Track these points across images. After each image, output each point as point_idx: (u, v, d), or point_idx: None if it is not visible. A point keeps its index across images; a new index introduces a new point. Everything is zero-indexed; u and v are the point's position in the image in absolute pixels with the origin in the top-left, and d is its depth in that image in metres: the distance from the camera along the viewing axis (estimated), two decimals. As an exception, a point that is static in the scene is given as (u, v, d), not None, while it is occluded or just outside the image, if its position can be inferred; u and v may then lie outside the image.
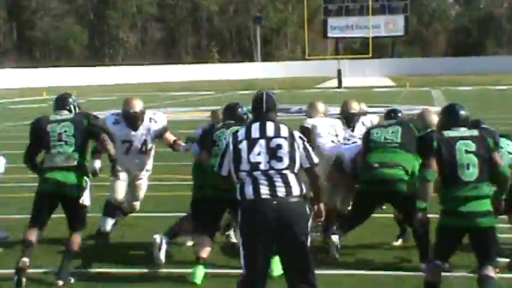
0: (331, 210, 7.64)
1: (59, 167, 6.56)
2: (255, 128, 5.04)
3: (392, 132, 7.22)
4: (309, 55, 56.18)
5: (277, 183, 4.88)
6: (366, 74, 61.32)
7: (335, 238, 7.11)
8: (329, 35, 65.68)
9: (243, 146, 4.98)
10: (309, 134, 7.63)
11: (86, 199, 6.61)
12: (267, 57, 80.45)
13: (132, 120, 7.63)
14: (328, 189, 7.73)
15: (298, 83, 49.61)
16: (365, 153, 7.28)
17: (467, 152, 5.39)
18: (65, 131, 6.66)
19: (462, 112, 5.65)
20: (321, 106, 8.29)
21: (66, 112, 6.88)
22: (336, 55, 62.96)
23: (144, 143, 7.74)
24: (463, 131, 5.53)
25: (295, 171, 4.94)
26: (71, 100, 7.03)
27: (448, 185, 5.45)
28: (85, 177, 6.65)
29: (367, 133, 7.43)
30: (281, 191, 4.86)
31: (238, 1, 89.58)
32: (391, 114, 7.78)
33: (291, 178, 4.89)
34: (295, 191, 4.88)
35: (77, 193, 6.54)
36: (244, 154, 4.96)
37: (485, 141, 5.47)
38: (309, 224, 5.02)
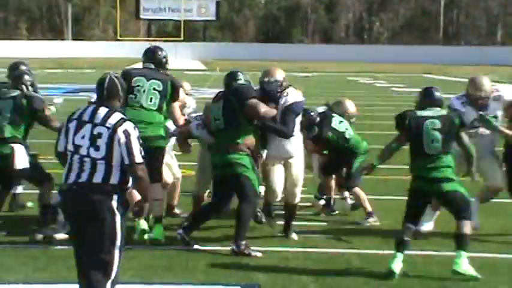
0: (198, 197, 7.96)
1: None
2: (89, 111, 4.93)
3: (218, 109, 7.14)
4: (121, 36, 55.78)
5: (85, 170, 4.83)
6: (177, 57, 61.66)
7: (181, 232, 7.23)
8: (142, 16, 65.44)
9: (72, 126, 4.92)
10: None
11: (17, 164, 7.37)
12: (78, 36, 78.64)
13: None
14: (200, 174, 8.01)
15: (110, 63, 49.12)
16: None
17: (433, 129, 6.35)
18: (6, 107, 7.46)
19: (437, 94, 6.62)
20: (185, 85, 8.66)
21: (17, 90, 7.55)
22: (148, 37, 62.90)
23: None
24: (435, 111, 6.48)
25: (114, 163, 4.83)
26: (25, 78, 7.65)
27: (415, 156, 6.45)
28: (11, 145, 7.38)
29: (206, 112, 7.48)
30: (84, 177, 4.83)
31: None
32: (228, 79, 7.43)
33: (102, 167, 4.81)
34: (98, 178, 4.81)
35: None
36: (71, 135, 4.91)
37: (451, 120, 6.47)
38: (117, 219, 4.80)
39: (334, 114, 8.44)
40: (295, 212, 7.74)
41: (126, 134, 4.83)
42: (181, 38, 53.65)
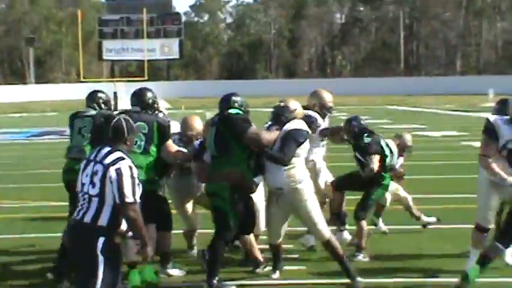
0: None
1: (72, 158, 7.34)
2: (96, 150, 5.10)
3: (210, 136, 7.00)
4: (84, 77, 55.63)
5: (83, 207, 4.95)
6: (142, 97, 61.62)
7: None
8: (104, 57, 65.27)
9: (82, 165, 5.10)
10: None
11: None
12: (40, 79, 78.30)
13: None
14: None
15: (73, 105, 48.89)
16: None
17: None
18: (85, 126, 7.41)
19: None
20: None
21: (91, 111, 7.54)
22: (112, 78, 62.83)
23: None
24: None
25: (107, 202, 4.90)
26: (98, 96, 7.69)
27: None
28: None
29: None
30: (80, 214, 4.95)
31: (9, 21, 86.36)
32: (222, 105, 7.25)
33: (95, 205, 4.91)
34: (88, 217, 4.90)
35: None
36: (80, 173, 5.08)
37: None
38: (99, 262, 4.84)
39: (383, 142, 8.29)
40: (336, 254, 7.09)
41: (118, 172, 4.89)
42: (145, 78, 53.53)
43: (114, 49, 63.73)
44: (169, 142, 7.19)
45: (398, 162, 8.93)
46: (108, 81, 59.63)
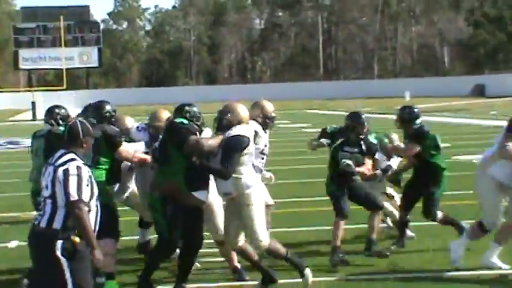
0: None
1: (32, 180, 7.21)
2: (55, 154, 5.09)
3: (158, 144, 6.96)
4: (1, 87, 54.44)
5: (40, 212, 4.98)
6: (61, 106, 60.62)
7: None
8: (21, 66, 63.95)
9: (43, 171, 5.10)
10: None
11: None
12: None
13: None
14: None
15: (-10, 116, 47.80)
16: None
17: None
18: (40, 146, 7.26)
19: None
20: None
21: (48, 126, 7.41)
22: (30, 87, 61.61)
23: None
24: None
25: (60, 202, 4.88)
26: (56, 112, 7.55)
27: None
28: None
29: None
30: (38, 219, 4.96)
31: None
32: (174, 114, 7.19)
33: (49, 208, 4.91)
34: (43, 221, 4.89)
35: None
36: (41, 177, 5.08)
37: None
38: (64, 266, 4.82)
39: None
40: (279, 256, 6.89)
41: (66, 171, 4.89)
42: (64, 87, 52.77)
43: (30, 58, 62.55)
44: (123, 148, 7.09)
45: (393, 164, 8.72)
46: (26, 90, 58.43)
